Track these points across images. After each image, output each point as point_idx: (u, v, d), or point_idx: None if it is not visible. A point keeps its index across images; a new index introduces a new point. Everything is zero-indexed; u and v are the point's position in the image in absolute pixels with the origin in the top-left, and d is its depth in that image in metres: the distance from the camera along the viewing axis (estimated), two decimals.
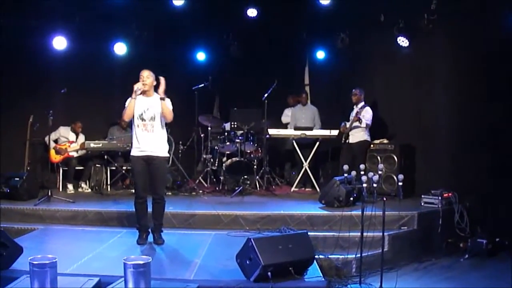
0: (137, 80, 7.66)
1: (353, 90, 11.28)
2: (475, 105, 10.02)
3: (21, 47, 11.29)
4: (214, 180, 12.46)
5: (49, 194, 10.07)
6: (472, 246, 9.09)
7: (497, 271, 8.11)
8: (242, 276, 6.26)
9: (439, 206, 9.54)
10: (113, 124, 12.42)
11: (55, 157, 11.62)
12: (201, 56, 14.26)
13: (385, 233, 7.45)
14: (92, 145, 11.31)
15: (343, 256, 7.85)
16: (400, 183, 7.38)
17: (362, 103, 11.17)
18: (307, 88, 14.14)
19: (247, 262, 6.17)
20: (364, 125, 10.98)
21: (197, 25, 13.01)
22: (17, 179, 10.20)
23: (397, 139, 11.32)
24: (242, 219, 9.05)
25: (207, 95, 13.25)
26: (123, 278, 5.48)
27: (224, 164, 11.86)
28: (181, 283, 6.01)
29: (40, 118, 11.07)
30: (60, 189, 11.70)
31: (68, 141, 11.84)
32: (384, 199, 7.12)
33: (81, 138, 12.01)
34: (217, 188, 11.84)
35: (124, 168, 11.93)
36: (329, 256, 7.79)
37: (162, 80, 7.69)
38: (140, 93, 7.65)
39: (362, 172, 7.66)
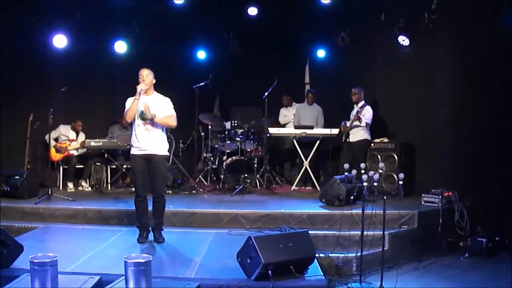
0: (138, 79, 7.65)
1: (353, 89, 11.28)
2: (475, 104, 10.01)
3: (21, 45, 11.29)
4: (215, 178, 12.49)
5: (50, 192, 10.07)
6: (472, 245, 9.10)
7: (497, 270, 8.13)
8: (242, 274, 6.26)
9: (439, 205, 9.54)
10: (114, 122, 12.41)
11: (55, 156, 11.62)
12: (201, 54, 14.24)
13: (385, 232, 7.45)
14: (92, 143, 11.31)
15: (343, 255, 7.85)
16: (401, 182, 7.39)
17: (363, 102, 11.16)
18: (308, 87, 14.14)
19: (248, 260, 6.17)
20: (364, 124, 10.98)
21: (197, 24, 13.00)
22: (18, 177, 10.21)
23: (398, 138, 11.32)
24: (243, 218, 9.05)
25: (208, 93, 13.24)
26: (123, 277, 5.48)
27: (224, 163, 11.85)
28: (181, 282, 6.00)
29: (40, 116, 11.05)
30: (61, 188, 11.70)
31: (68, 139, 11.85)
32: (385, 198, 7.13)
33: (82, 136, 12.00)
34: (217, 187, 11.85)
35: (124, 166, 11.94)
36: (330, 255, 7.79)
37: (146, 105, 7.70)
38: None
39: (363, 171, 7.67)
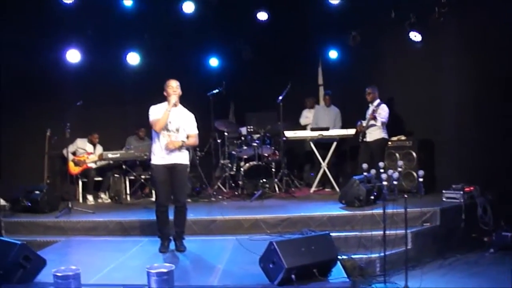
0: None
1: (367, 89, 11.22)
2: (492, 97, 9.95)
3: (35, 62, 11.38)
4: (233, 185, 12.44)
5: (70, 206, 10.11)
6: (497, 239, 9.01)
7: None
8: (266, 280, 6.23)
9: (461, 200, 9.47)
10: (131, 134, 12.44)
11: (74, 169, 11.66)
12: (214, 62, 14.28)
13: (407, 231, 7.40)
14: (109, 155, 11.34)
15: (366, 256, 7.80)
16: (421, 179, 7.37)
17: (378, 101, 11.10)
18: (321, 89, 14.13)
19: (271, 265, 6.14)
20: (380, 124, 10.92)
21: (208, 32, 13.06)
22: (38, 192, 10.25)
23: (415, 135, 11.25)
24: (263, 223, 9.02)
25: (222, 100, 13.22)
26: (147, 287, 5.48)
27: (242, 169, 11.83)
28: None
29: (57, 131, 11.13)
30: (80, 201, 11.75)
31: (86, 152, 11.89)
32: (405, 196, 7.08)
33: (99, 149, 12.05)
34: (236, 193, 11.83)
35: (142, 177, 11.97)
36: (353, 256, 7.75)
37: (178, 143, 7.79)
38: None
39: (382, 170, 7.64)
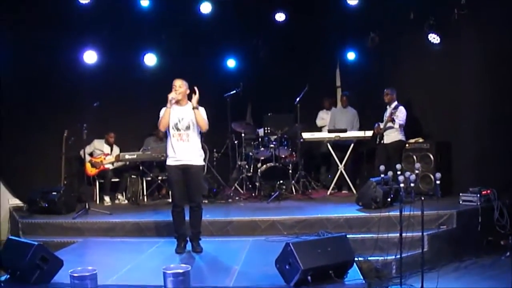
0: (170, 90, 7.70)
1: (385, 90, 11.20)
2: (511, 99, 9.87)
3: (52, 63, 11.40)
4: (250, 186, 12.46)
5: (87, 207, 10.16)
6: None
7: None
8: (282, 281, 6.24)
9: (478, 203, 9.42)
10: (150, 134, 12.45)
11: (91, 170, 11.71)
12: (231, 63, 14.28)
13: (424, 233, 7.38)
14: (127, 156, 11.36)
15: (382, 258, 7.78)
16: (438, 182, 7.32)
17: (395, 103, 11.06)
18: (339, 90, 14.11)
19: (287, 267, 6.15)
20: (397, 126, 10.88)
21: (226, 32, 13.06)
22: (55, 193, 10.29)
23: (433, 137, 11.20)
24: (280, 224, 9.03)
25: (239, 101, 13.21)
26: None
27: (259, 170, 11.85)
28: None
29: (74, 132, 11.18)
30: (97, 202, 11.79)
31: (103, 153, 11.92)
32: (422, 198, 7.04)
33: (116, 150, 12.08)
34: (253, 194, 11.83)
35: (159, 178, 11.99)
36: (369, 258, 7.76)
37: (195, 89, 7.72)
38: (174, 103, 7.68)
39: (399, 172, 7.60)
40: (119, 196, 11.95)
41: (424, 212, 7.10)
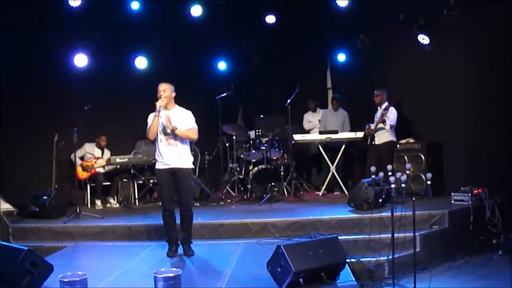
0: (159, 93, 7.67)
1: (375, 92, 11.20)
2: (501, 100, 9.92)
3: (42, 66, 11.37)
4: (242, 188, 12.43)
5: (78, 211, 10.13)
6: (506, 242, 8.95)
7: None
8: (274, 284, 6.23)
9: (470, 203, 9.45)
10: (141, 138, 12.42)
11: (82, 174, 11.67)
12: (222, 65, 14.24)
13: (416, 233, 7.38)
14: (118, 160, 11.34)
15: (375, 259, 7.80)
16: (429, 182, 7.34)
17: (386, 104, 11.07)
18: (330, 92, 14.11)
19: (278, 269, 6.13)
20: (388, 127, 10.88)
21: (216, 35, 13.06)
22: (46, 197, 10.27)
23: (423, 137, 11.22)
24: (272, 227, 9.02)
25: (230, 104, 13.20)
26: None
27: (250, 172, 11.84)
28: None
29: (65, 136, 11.11)
30: (89, 206, 11.74)
31: (94, 157, 11.89)
32: (413, 199, 7.05)
33: (107, 153, 12.04)
34: (245, 197, 11.83)
35: (151, 181, 11.96)
36: (361, 259, 7.77)
37: (168, 116, 7.72)
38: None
39: (390, 173, 7.60)
40: (111, 200, 11.93)
41: (416, 212, 7.11)
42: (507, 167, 9.75)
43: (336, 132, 11.99)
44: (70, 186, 12.08)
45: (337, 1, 11.85)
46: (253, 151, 12.14)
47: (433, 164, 10.70)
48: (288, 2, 12.95)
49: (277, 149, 12.19)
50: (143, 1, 12.14)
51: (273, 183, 11.57)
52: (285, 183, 11.96)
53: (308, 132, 13.17)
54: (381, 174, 8.06)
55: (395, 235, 7.24)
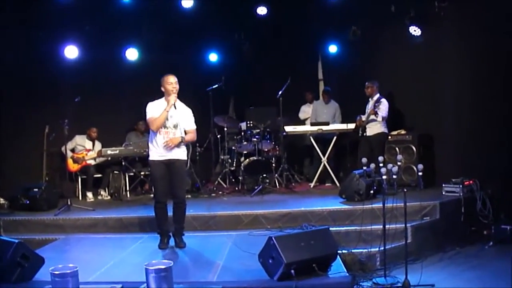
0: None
1: (366, 83, 11.19)
2: (492, 90, 9.92)
3: (33, 58, 11.31)
4: (233, 180, 12.44)
5: (69, 203, 10.09)
6: (496, 232, 9.01)
7: None
8: (265, 275, 6.22)
9: (461, 194, 9.45)
10: (131, 129, 12.41)
11: (73, 166, 11.63)
12: (213, 57, 14.21)
13: (407, 225, 7.36)
14: (109, 152, 11.29)
15: (366, 250, 7.80)
16: (420, 173, 7.33)
17: (377, 95, 11.06)
18: (321, 83, 14.10)
19: (270, 261, 6.13)
20: (380, 119, 10.88)
21: (207, 26, 13.02)
22: (36, 190, 10.22)
23: (415, 129, 11.22)
24: (263, 218, 9.02)
25: (222, 95, 13.18)
26: (145, 284, 5.46)
27: (242, 164, 11.82)
28: (204, 286, 5.99)
29: (56, 128, 11.11)
30: (80, 198, 11.70)
31: (85, 149, 11.85)
32: (405, 190, 7.05)
33: (98, 145, 12.01)
34: (236, 188, 11.83)
35: (142, 173, 11.96)
36: (353, 251, 7.76)
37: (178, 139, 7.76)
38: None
39: (381, 164, 7.61)
40: (102, 192, 11.89)
41: (407, 203, 7.12)
42: (498, 158, 9.76)
43: (327, 123, 12.01)
44: (61, 179, 12.06)
45: None
46: (245, 142, 12.12)
47: (424, 156, 10.71)
48: None
49: (268, 141, 12.18)
50: None
51: (264, 175, 11.57)
52: (276, 175, 11.96)
53: (303, 122, 13.16)
54: (372, 165, 8.07)
55: (387, 226, 7.25)
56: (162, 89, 7.72)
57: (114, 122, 12.71)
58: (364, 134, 11.15)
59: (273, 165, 11.90)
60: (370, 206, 8.62)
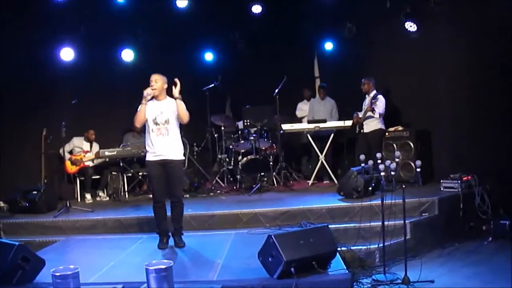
0: (148, 86, 7.65)
1: (363, 80, 11.21)
2: (488, 86, 9.93)
3: (29, 61, 11.29)
4: (231, 179, 12.46)
5: (68, 205, 10.10)
6: (495, 228, 8.99)
7: None
8: (265, 273, 6.23)
9: (459, 190, 9.45)
10: (128, 130, 12.41)
11: (71, 168, 11.64)
12: (209, 56, 14.24)
13: (406, 221, 7.37)
14: (106, 153, 11.30)
15: (365, 247, 7.81)
16: (418, 169, 7.33)
17: (374, 92, 11.08)
18: (318, 81, 14.12)
19: (270, 259, 6.13)
20: (377, 115, 10.89)
21: (202, 26, 13.03)
22: (35, 192, 10.22)
23: (412, 125, 11.23)
24: (262, 217, 9.02)
25: (218, 95, 13.21)
26: (146, 284, 5.47)
27: (240, 163, 11.84)
28: (204, 285, 5.99)
29: (53, 130, 11.10)
30: (79, 200, 11.69)
31: (82, 151, 11.85)
32: (403, 186, 7.06)
33: (95, 147, 12.01)
34: (234, 187, 11.85)
35: (140, 174, 11.97)
36: (352, 248, 7.76)
37: (177, 81, 7.68)
38: (151, 98, 7.64)
39: (379, 161, 7.63)
40: (100, 193, 11.90)
41: (406, 200, 7.13)
42: (496, 153, 9.76)
43: (324, 121, 12.02)
44: (59, 181, 12.05)
45: None
46: (242, 141, 12.14)
47: (422, 152, 10.72)
48: None
49: (265, 139, 12.19)
50: None
51: (262, 173, 11.60)
52: (274, 173, 11.97)
53: (300, 120, 13.18)
54: (370, 162, 8.07)
55: (385, 223, 7.26)
56: None
57: (111, 123, 12.71)
58: (362, 131, 11.16)
59: (271, 163, 11.88)
60: (369, 203, 8.61)
